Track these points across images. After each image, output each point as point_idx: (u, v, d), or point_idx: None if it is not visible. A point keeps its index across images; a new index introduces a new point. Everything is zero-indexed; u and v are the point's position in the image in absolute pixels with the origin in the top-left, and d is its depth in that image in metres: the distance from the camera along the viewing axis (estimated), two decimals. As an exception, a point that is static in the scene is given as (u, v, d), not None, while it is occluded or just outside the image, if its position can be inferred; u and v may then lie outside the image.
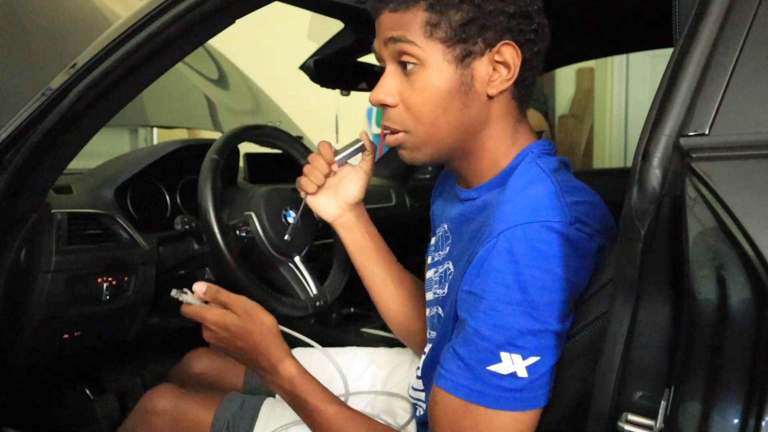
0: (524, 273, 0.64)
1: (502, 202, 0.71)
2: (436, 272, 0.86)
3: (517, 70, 0.73)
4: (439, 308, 0.83)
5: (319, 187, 0.98)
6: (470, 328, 0.66)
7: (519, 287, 0.63)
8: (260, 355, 0.80)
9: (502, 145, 0.77)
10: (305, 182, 0.98)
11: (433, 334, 0.85)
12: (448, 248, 0.84)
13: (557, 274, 0.64)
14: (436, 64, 0.72)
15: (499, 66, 0.73)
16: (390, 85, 0.75)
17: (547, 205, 0.67)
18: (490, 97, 0.74)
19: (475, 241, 0.72)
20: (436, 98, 0.73)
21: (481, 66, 0.73)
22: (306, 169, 0.98)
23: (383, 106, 0.77)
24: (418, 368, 0.92)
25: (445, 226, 0.86)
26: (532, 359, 0.64)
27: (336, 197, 1.00)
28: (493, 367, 0.64)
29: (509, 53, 0.72)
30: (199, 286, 0.83)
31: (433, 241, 0.93)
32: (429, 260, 0.92)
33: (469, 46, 0.71)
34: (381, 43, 0.76)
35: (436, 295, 0.84)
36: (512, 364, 0.64)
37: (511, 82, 0.73)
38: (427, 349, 0.88)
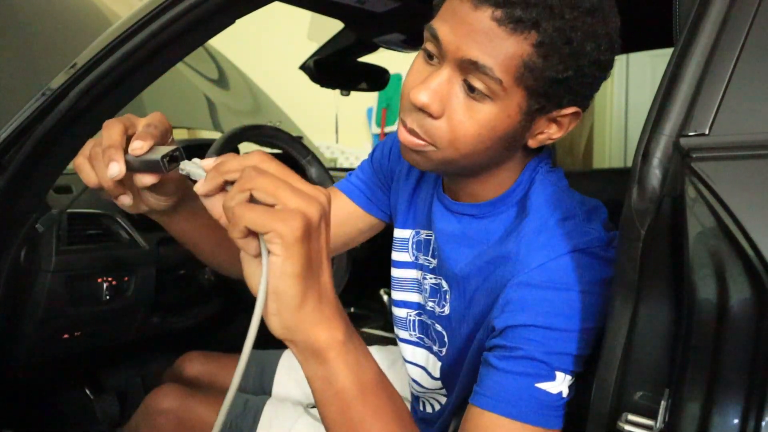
0: (578, 300, 0.63)
1: (530, 229, 0.68)
2: (424, 278, 0.83)
3: (568, 131, 0.68)
4: (436, 324, 0.81)
5: None
6: (523, 353, 0.63)
7: (575, 315, 0.63)
8: (324, 262, 0.52)
9: (512, 172, 0.73)
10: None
11: (428, 341, 0.84)
12: (436, 261, 0.80)
13: (605, 297, 0.63)
14: (506, 108, 0.62)
15: (553, 124, 0.67)
16: (442, 91, 0.62)
17: (584, 231, 0.67)
18: (525, 146, 0.69)
19: (498, 270, 0.69)
20: (486, 136, 0.63)
21: (541, 121, 0.66)
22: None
23: (422, 111, 0.63)
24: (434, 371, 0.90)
25: (431, 234, 0.82)
26: (572, 378, 0.64)
27: None
28: (543, 386, 0.63)
29: (571, 118, 0.67)
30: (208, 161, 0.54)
31: (407, 236, 0.87)
32: (401, 256, 0.88)
33: (546, 103, 0.63)
34: (455, 46, 0.61)
35: (429, 307, 0.82)
36: (563, 382, 0.63)
37: (555, 140, 0.68)
38: (414, 358, 0.87)
